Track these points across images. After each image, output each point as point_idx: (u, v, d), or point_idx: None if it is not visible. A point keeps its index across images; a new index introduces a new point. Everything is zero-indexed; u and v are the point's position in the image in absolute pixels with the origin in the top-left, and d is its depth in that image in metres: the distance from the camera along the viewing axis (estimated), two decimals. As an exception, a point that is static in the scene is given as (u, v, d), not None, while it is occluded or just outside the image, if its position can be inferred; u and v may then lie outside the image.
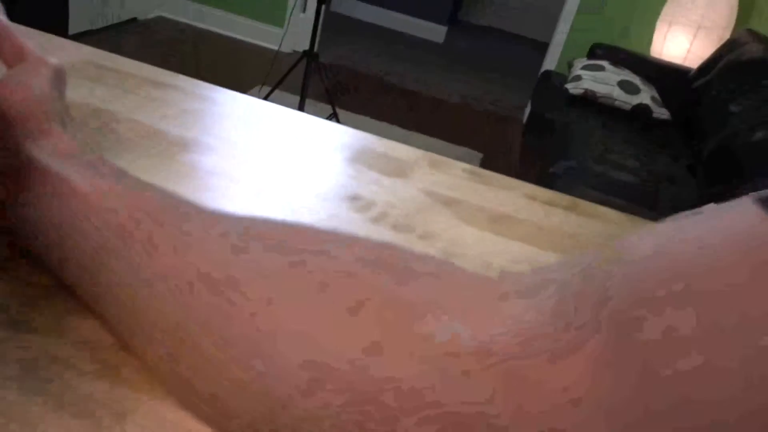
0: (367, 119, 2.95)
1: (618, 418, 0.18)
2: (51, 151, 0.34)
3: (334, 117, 2.61)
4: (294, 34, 3.46)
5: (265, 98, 2.54)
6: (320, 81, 2.52)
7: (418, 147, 2.80)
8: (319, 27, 2.48)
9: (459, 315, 0.23)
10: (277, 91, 2.63)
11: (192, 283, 0.27)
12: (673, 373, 0.17)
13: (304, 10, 3.51)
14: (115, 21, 3.29)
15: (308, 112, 2.61)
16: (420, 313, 0.23)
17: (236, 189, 0.48)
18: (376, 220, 0.48)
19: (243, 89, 2.89)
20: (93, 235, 0.31)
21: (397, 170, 0.57)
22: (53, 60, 0.40)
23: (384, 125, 2.93)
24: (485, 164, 2.83)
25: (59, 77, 0.40)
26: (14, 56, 0.39)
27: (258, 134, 0.57)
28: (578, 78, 2.58)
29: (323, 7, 2.39)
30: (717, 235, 0.19)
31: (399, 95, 3.45)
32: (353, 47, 4.06)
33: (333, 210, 0.48)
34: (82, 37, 2.95)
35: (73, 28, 2.74)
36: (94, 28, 3.10)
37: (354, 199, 0.50)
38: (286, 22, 2.93)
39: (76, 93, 0.55)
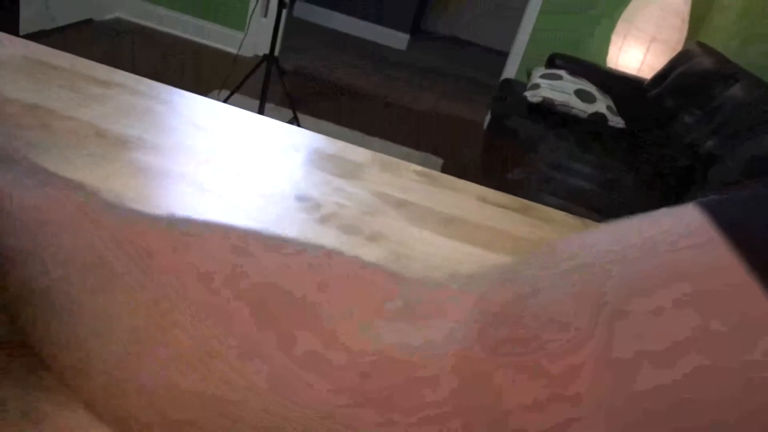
0: (328, 124, 2.93)
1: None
2: None
3: (295, 121, 2.59)
4: (255, 38, 3.43)
5: (225, 101, 2.51)
6: (281, 86, 2.50)
7: (382, 152, 2.80)
8: (280, 31, 2.47)
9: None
10: (237, 95, 2.60)
11: None
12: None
13: (265, 14, 3.48)
14: (70, 21, 3.20)
15: (268, 116, 2.58)
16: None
17: (182, 188, 0.46)
18: (324, 220, 0.47)
19: (202, 92, 2.85)
20: (5, 233, 0.29)
21: (349, 172, 0.56)
22: None
23: (345, 130, 2.92)
24: (446, 170, 2.84)
25: None
26: None
27: (206, 134, 0.55)
28: (537, 86, 2.62)
29: (285, 12, 2.38)
30: (646, 235, 0.19)
31: (361, 101, 3.45)
32: (315, 53, 4.05)
33: (281, 210, 0.47)
34: (33, 38, 2.87)
35: (24, 28, 2.67)
36: (46, 28, 3.02)
37: (302, 199, 0.49)
38: (247, 25, 2.90)
39: (13, 89, 0.52)
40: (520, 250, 0.51)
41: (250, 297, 0.25)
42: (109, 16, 3.52)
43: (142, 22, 3.59)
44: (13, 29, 2.32)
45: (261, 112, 2.45)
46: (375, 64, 4.20)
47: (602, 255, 0.20)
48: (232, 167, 0.51)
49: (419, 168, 0.60)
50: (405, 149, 2.92)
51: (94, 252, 0.29)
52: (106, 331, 0.25)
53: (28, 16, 2.64)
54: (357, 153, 0.60)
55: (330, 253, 0.29)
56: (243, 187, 0.49)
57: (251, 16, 2.77)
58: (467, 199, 0.57)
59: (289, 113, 2.61)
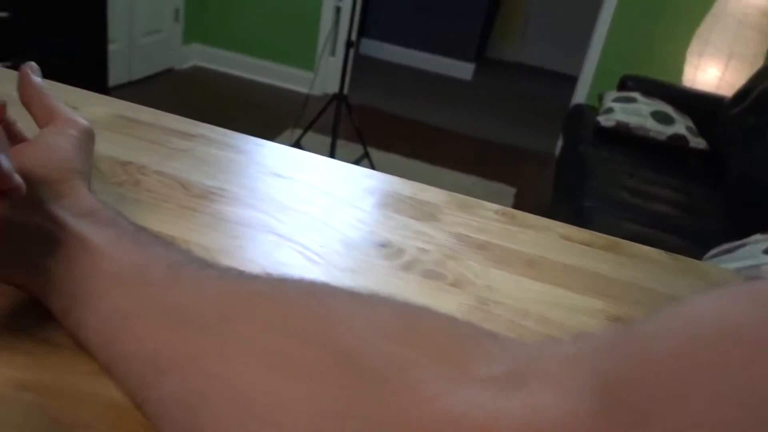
0: (398, 158, 2.95)
1: None
2: (73, 211, 0.34)
3: (365, 156, 2.62)
4: (324, 77, 3.52)
5: (298, 140, 2.57)
6: (350, 122, 2.54)
7: (450, 184, 2.78)
8: (348, 70, 2.52)
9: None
10: (309, 133, 2.66)
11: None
12: None
13: (333, 53, 3.57)
14: (152, 72, 3.39)
15: (340, 153, 2.63)
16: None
17: (265, 238, 0.47)
18: (406, 267, 0.47)
19: (276, 132, 2.94)
20: (108, 297, 0.30)
21: (427, 214, 0.55)
22: (82, 121, 0.40)
23: (415, 163, 2.93)
24: (519, 199, 2.80)
25: (87, 137, 0.40)
26: (45, 117, 0.40)
27: (285, 181, 0.56)
28: (610, 110, 2.55)
29: (351, 50, 2.43)
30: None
31: (429, 133, 3.46)
32: (382, 88, 4.11)
33: (363, 258, 0.47)
34: (121, 89, 3.05)
35: (113, 80, 2.84)
36: (132, 79, 3.21)
37: (383, 245, 0.49)
38: (316, 66, 2.99)
39: (104, 146, 0.55)
40: (612, 293, 0.49)
41: (340, 356, 0.25)
42: (187, 65, 3.71)
43: (218, 68, 3.75)
44: (102, 82, 2.47)
45: (333, 148, 2.50)
46: (441, 96, 4.22)
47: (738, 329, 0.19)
48: (311, 215, 0.51)
49: (498, 207, 0.59)
50: (476, 179, 2.90)
51: (193, 311, 0.29)
52: (213, 392, 0.25)
53: (115, 69, 2.82)
54: (433, 194, 0.59)
55: (423, 310, 0.28)
56: (323, 234, 0.49)
57: (320, 56, 2.85)
58: (550, 237, 0.55)
59: (360, 148, 2.65)
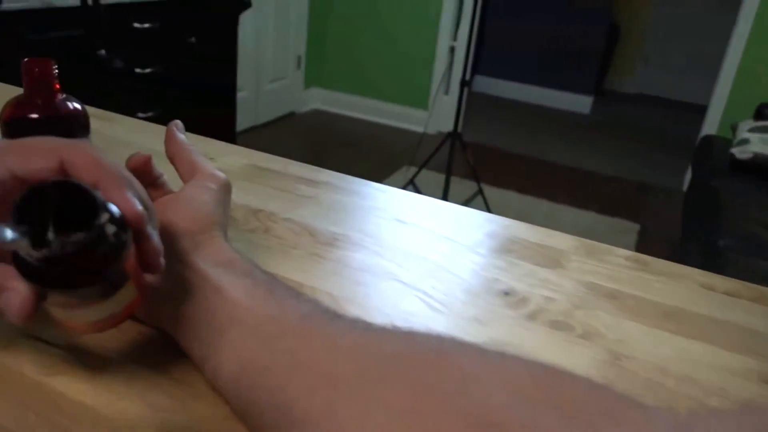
0: (513, 194, 2.91)
1: None
2: (212, 261, 0.36)
3: (479, 194, 2.60)
4: (438, 115, 3.56)
5: (412, 178, 2.60)
6: (465, 159, 2.54)
7: (569, 222, 2.69)
8: (462, 108, 2.53)
9: None
10: (424, 171, 2.69)
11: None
12: None
13: (447, 92, 3.61)
14: (276, 116, 3.59)
15: (454, 190, 2.63)
16: None
17: (386, 285, 0.47)
18: (532, 317, 0.45)
19: (392, 170, 2.99)
20: (245, 348, 0.31)
21: (553, 261, 0.53)
22: (221, 175, 0.43)
23: (531, 200, 2.87)
24: (643, 236, 2.65)
25: (225, 190, 0.43)
26: (188, 172, 0.43)
27: (406, 227, 0.57)
28: (745, 141, 2.37)
29: (466, 88, 2.44)
30: None
31: (545, 169, 3.38)
32: (496, 124, 4.09)
33: (487, 307, 0.46)
34: (248, 132, 3.25)
35: (241, 125, 3.03)
36: (258, 123, 3.41)
37: (507, 293, 0.48)
38: (430, 105, 3.03)
39: (237, 194, 0.58)
40: (765, 350, 0.44)
41: (478, 420, 0.24)
42: (307, 108, 3.89)
43: (337, 110, 3.91)
44: (231, 127, 2.65)
45: (447, 185, 2.51)
46: (557, 130, 4.12)
47: None
48: (433, 261, 0.51)
49: (629, 253, 0.56)
50: (597, 216, 2.78)
51: (326, 366, 0.30)
52: None
53: (242, 114, 3.01)
54: (558, 239, 0.58)
55: (559, 370, 0.27)
56: (446, 282, 0.49)
57: (434, 95, 2.88)
58: (689, 286, 0.52)
59: (474, 185, 2.63)
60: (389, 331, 0.31)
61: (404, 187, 2.57)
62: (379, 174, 2.97)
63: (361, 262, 0.50)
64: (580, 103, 4.58)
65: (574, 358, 0.41)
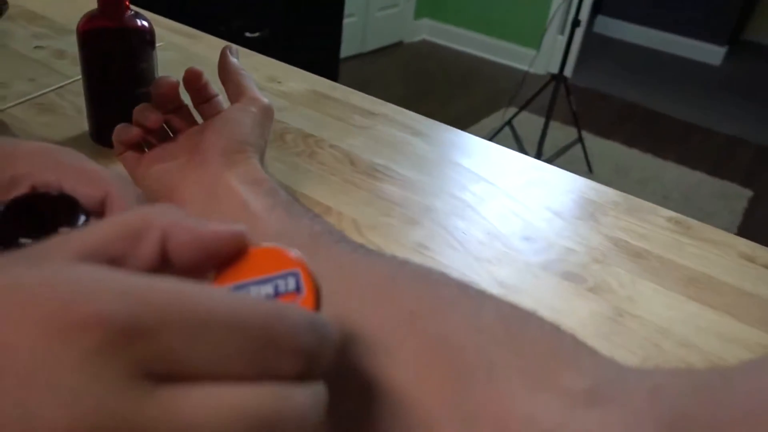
0: (616, 145, 2.77)
1: None
2: (242, 179, 0.40)
3: (578, 142, 2.51)
4: (549, 56, 3.41)
5: (510, 119, 2.54)
6: (568, 104, 2.45)
7: (671, 179, 2.55)
8: (573, 49, 2.42)
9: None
10: (524, 113, 2.62)
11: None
12: None
13: (562, 32, 3.44)
14: (383, 44, 3.58)
15: (552, 135, 2.54)
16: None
17: (411, 219, 0.49)
18: (546, 265, 0.46)
19: (491, 110, 2.94)
20: None
21: (587, 213, 0.53)
22: (264, 100, 0.46)
23: (636, 153, 2.73)
24: (753, 204, 2.47)
25: (266, 115, 0.46)
26: (236, 94, 0.46)
27: (448, 166, 0.58)
28: None
29: (582, 29, 2.32)
30: None
31: (656, 122, 3.19)
32: (613, 70, 3.86)
33: (503, 249, 0.47)
34: (352, 59, 3.27)
35: (345, 51, 3.06)
36: (364, 51, 3.42)
37: (528, 239, 0.49)
38: (539, 43, 2.91)
39: (294, 118, 0.62)
40: (780, 327, 0.43)
41: (438, 341, 0.26)
42: (416, 39, 3.84)
43: (445, 43, 3.83)
44: (336, 53, 2.68)
45: (545, 130, 2.43)
46: (679, 82, 3.84)
47: None
48: (465, 201, 0.53)
49: (672, 214, 0.54)
50: (704, 176, 2.61)
51: (324, 278, 0.32)
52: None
53: (348, 41, 3.03)
54: (602, 193, 0.57)
55: (529, 316, 0.28)
56: (472, 222, 0.50)
57: (544, 33, 2.76)
58: (727, 255, 0.50)
59: (573, 132, 2.54)
60: (385, 257, 0.34)
61: (501, 129, 2.52)
62: (478, 112, 2.92)
63: (393, 194, 0.52)
64: (711, 53, 4.21)
65: (576, 308, 0.42)
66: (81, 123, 0.56)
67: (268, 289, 0.21)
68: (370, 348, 0.28)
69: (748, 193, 2.55)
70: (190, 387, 0.17)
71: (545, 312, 0.40)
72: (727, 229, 0.62)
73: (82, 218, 0.31)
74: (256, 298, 0.20)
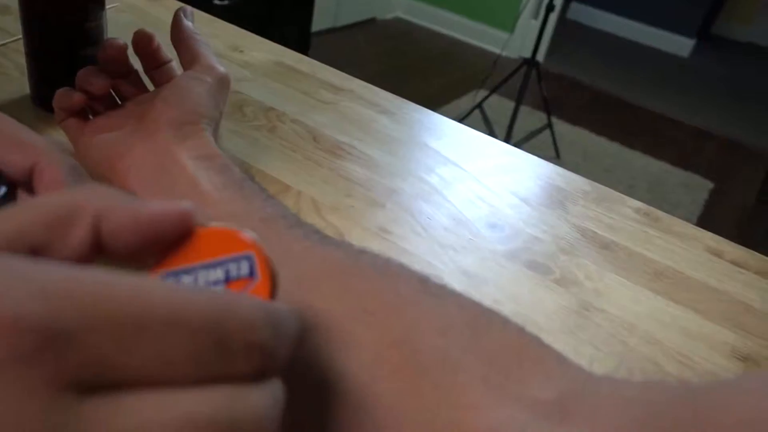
0: (585, 133, 2.79)
1: None
2: (192, 154, 0.37)
3: (548, 127, 2.51)
4: (522, 40, 3.40)
5: (481, 102, 2.53)
6: (539, 89, 2.44)
7: (638, 168, 2.57)
8: (546, 34, 2.40)
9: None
10: (494, 96, 2.61)
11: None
12: None
13: (536, 16, 3.43)
14: (356, 20, 3.52)
15: (522, 120, 2.54)
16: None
17: (374, 201, 0.47)
18: (512, 254, 0.44)
19: (462, 92, 2.92)
20: None
21: (556, 201, 0.52)
22: (220, 68, 0.43)
23: (603, 141, 2.75)
24: (715, 196, 2.51)
25: (222, 85, 0.43)
26: (189, 61, 0.43)
27: (414, 147, 0.56)
28: None
29: (555, 14, 2.31)
30: None
31: (627, 111, 3.21)
32: (584, 57, 3.87)
33: (468, 236, 0.45)
34: (323, 34, 3.21)
35: (316, 25, 3.00)
36: (336, 26, 3.36)
37: (494, 227, 0.47)
38: (512, 27, 2.89)
39: (255, 90, 0.58)
40: (753, 328, 0.42)
41: (397, 341, 0.24)
42: (390, 16, 3.79)
43: (420, 22, 3.79)
44: (307, 26, 2.62)
45: (515, 114, 2.43)
46: (649, 72, 3.87)
47: None
48: (432, 184, 0.51)
49: (641, 205, 0.53)
50: (669, 167, 2.65)
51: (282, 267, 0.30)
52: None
53: (320, 15, 2.96)
54: (570, 180, 0.55)
55: (492, 315, 0.26)
56: (437, 207, 0.48)
57: (519, 17, 2.74)
58: (694, 250, 0.49)
59: (543, 117, 2.54)
60: (342, 246, 0.32)
61: (471, 111, 2.51)
62: (450, 94, 2.90)
63: (355, 174, 0.50)
64: (680, 45, 4.26)
65: (541, 301, 0.41)
66: (23, 85, 0.52)
67: (217, 274, 0.19)
68: (327, 342, 0.25)
69: (709, 184, 2.60)
70: (125, 396, 0.14)
71: (510, 304, 0.38)
72: (688, 220, 0.62)
73: (2, 189, 0.28)
74: (200, 289, 0.17)
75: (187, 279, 0.19)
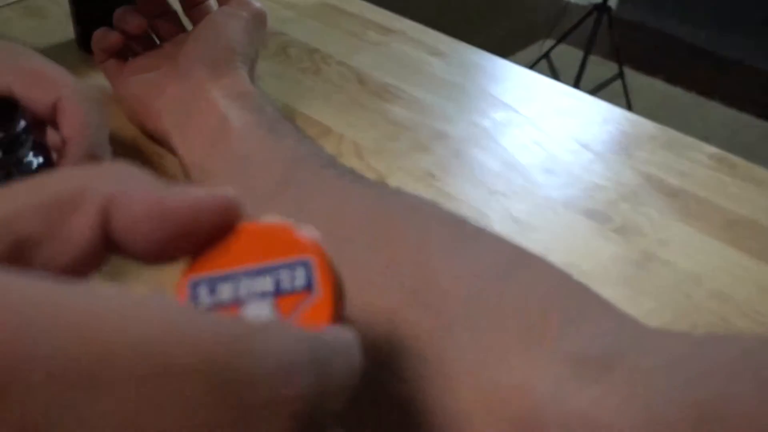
0: (659, 83, 2.64)
1: None
2: (225, 92, 0.35)
3: (619, 77, 2.39)
4: (594, -15, 3.22)
5: (548, 52, 2.43)
6: (610, 37, 2.31)
7: (715, 120, 2.43)
8: (619, -23, 2.26)
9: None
10: (562, 45, 2.49)
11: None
12: None
13: (609, -42, 3.22)
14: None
15: (591, 70, 2.42)
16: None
17: (418, 145, 0.45)
18: (568, 202, 0.41)
19: (528, 41, 2.80)
20: (238, 176, 0.31)
21: (619, 145, 0.48)
22: (256, 4, 0.41)
23: (679, 91, 2.60)
24: (802, 151, 2.34)
25: (258, 21, 0.41)
26: None
27: (463, 89, 0.52)
28: None
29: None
30: None
31: (703, 59, 3.01)
32: (660, 1, 3.64)
33: (519, 182, 0.42)
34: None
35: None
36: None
37: (550, 172, 0.44)
38: (585, -29, 2.74)
39: (300, 32, 0.56)
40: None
41: (421, 286, 0.22)
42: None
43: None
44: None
45: (583, 64, 2.32)
46: (729, 18, 3.60)
47: None
48: (484, 128, 0.47)
49: (715, 150, 0.48)
50: (753, 119, 2.48)
51: (306, 206, 0.28)
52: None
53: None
54: (638, 125, 0.51)
55: (533, 260, 0.24)
56: (487, 151, 0.45)
57: (591, -40, 2.58)
58: (775, 198, 0.44)
59: (615, 67, 2.41)
60: (374, 185, 0.30)
61: (537, 61, 2.41)
62: (513, 44, 2.79)
63: (401, 117, 0.47)
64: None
65: (598, 251, 0.38)
66: (70, 29, 0.51)
67: (265, 283, 0.14)
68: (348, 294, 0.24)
69: (795, 138, 2.42)
70: None
71: (561, 254, 0.36)
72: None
73: (22, 123, 0.27)
74: (200, 313, 0.11)
75: (226, 289, 0.14)
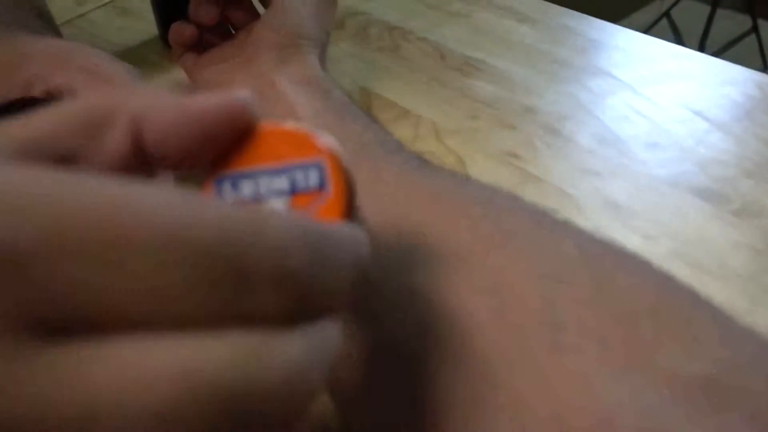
0: (801, 35, 2.35)
1: None
2: (292, 79, 0.34)
3: (753, 32, 2.15)
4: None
5: (668, 10, 2.24)
6: (741, -12, 2.09)
7: None
8: None
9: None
10: (685, 1, 2.28)
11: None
12: None
13: None
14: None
15: (719, 26, 2.20)
16: None
17: (501, 121, 0.41)
18: (677, 180, 0.36)
19: (646, 1, 2.60)
20: None
21: (738, 107, 0.41)
22: None
23: (826, 43, 2.30)
24: None
25: (327, 3, 0.39)
26: None
27: (556, 60, 0.47)
28: None
29: None
30: None
31: None
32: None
33: (618, 157, 0.38)
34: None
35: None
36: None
37: (654, 146, 0.38)
38: None
39: (380, 9, 0.54)
40: None
41: (497, 289, 0.20)
42: None
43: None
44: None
45: (710, 19, 2.11)
46: None
47: None
48: (580, 99, 0.43)
49: None
50: None
51: (370, 194, 0.26)
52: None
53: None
54: (764, 85, 0.44)
55: (626, 258, 0.20)
56: (585, 124, 0.40)
57: None
58: None
59: (747, 20, 2.18)
60: (441, 173, 0.27)
61: (656, 21, 2.22)
62: (628, 4, 2.60)
63: (483, 93, 0.43)
64: None
65: (713, 238, 0.32)
66: (154, 25, 0.52)
67: (282, 182, 0.16)
68: (415, 287, 0.21)
69: None
70: (102, 342, 0.10)
71: (667, 242, 0.31)
72: None
73: None
74: (212, 201, 0.13)
75: (247, 185, 0.16)
